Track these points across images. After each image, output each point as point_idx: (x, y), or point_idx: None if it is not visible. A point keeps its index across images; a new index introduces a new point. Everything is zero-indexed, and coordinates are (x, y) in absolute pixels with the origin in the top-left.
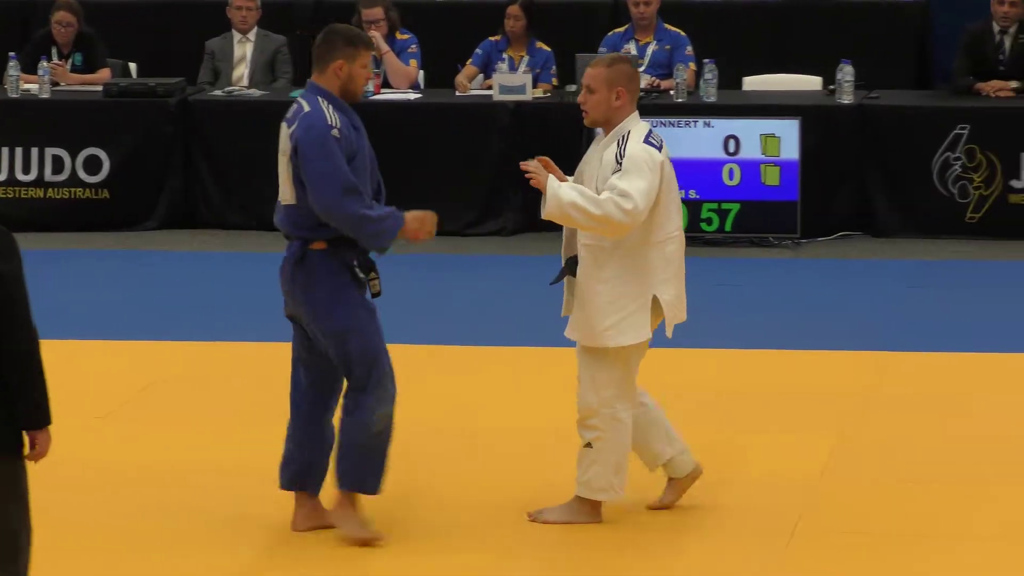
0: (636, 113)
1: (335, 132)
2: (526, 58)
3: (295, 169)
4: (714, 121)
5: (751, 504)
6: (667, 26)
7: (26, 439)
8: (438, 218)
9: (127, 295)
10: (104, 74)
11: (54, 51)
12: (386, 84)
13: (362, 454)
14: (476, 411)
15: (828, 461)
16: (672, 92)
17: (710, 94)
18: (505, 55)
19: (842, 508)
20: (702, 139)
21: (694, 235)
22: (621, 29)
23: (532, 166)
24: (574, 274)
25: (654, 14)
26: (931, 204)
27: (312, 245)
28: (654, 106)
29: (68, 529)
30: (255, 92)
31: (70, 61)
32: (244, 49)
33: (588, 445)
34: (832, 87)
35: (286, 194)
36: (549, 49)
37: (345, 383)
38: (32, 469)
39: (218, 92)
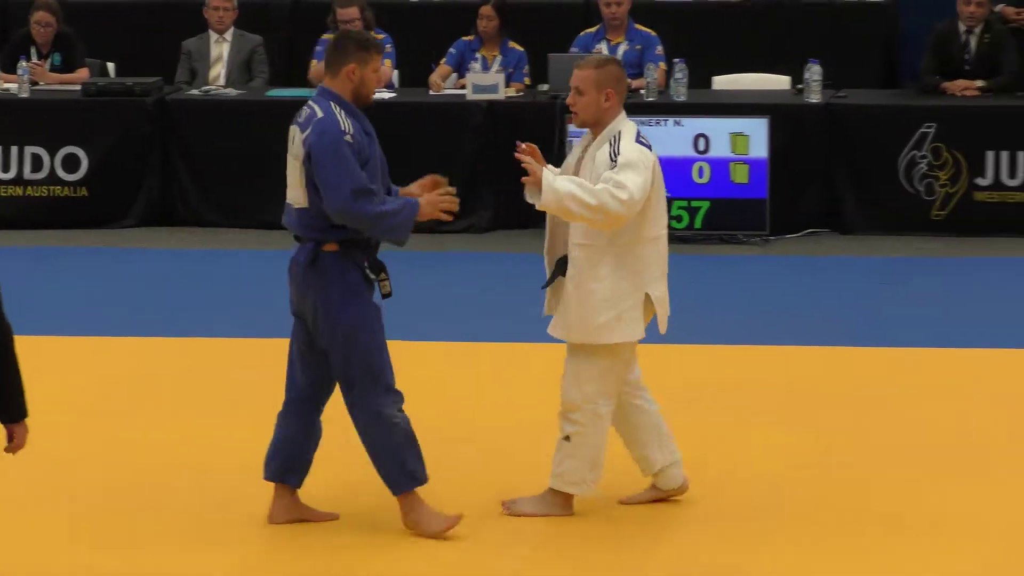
0: (624, 113)
1: (348, 138)
2: (499, 58)
3: (308, 174)
4: (684, 120)
5: (723, 497)
6: (638, 26)
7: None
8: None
9: (105, 292)
10: (83, 74)
11: (33, 51)
12: None
13: (399, 451)
14: (452, 406)
15: (799, 454)
16: (643, 91)
17: (680, 93)
18: (478, 55)
19: (813, 501)
20: (672, 138)
21: None
22: (593, 29)
23: (527, 157)
24: (564, 274)
25: (625, 14)
26: (898, 201)
27: (324, 247)
28: (625, 105)
29: (50, 522)
30: (232, 91)
31: (49, 61)
32: (221, 49)
33: (566, 438)
34: (800, 86)
35: (298, 197)
36: (522, 49)
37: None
38: (12, 462)
39: (195, 91)
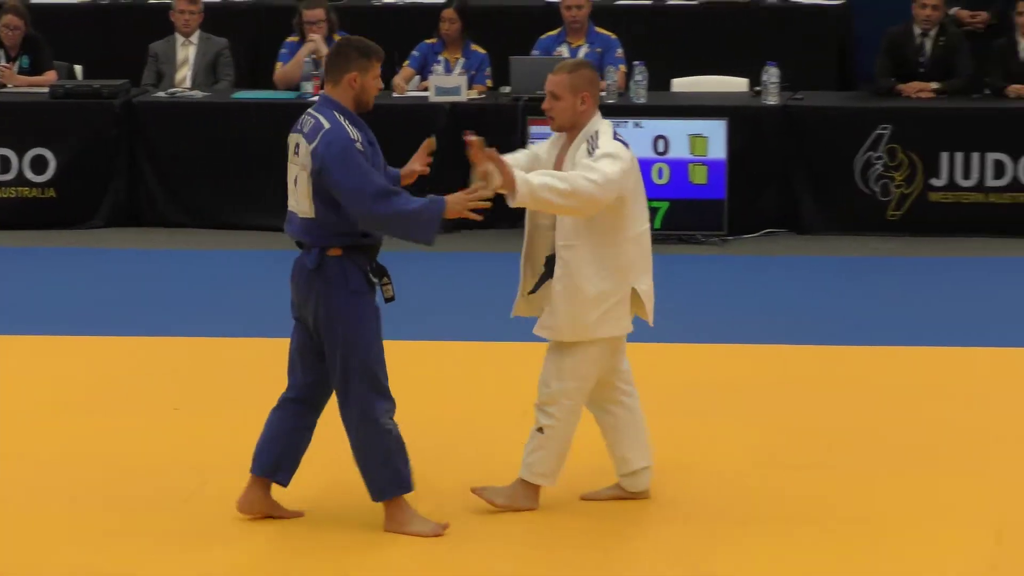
0: (599, 114)
1: (358, 145)
2: (461, 60)
3: (316, 185)
4: (644, 122)
5: (686, 493)
6: (598, 29)
7: None
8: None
9: (74, 292)
10: (50, 76)
11: (1, 54)
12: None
13: (390, 457)
14: (429, 403)
15: (758, 450)
16: (603, 93)
17: (640, 95)
18: (441, 57)
19: (772, 495)
20: (632, 139)
21: None
22: (554, 32)
23: (492, 155)
24: (551, 276)
25: (586, 17)
26: (854, 202)
27: (329, 251)
28: None
29: (36, 520)
30: (198, 94)
31: (17, 63)
32: (187, 52)
33: (539, 430)
34: (758, 88)
35: (304, 207)
36: (484, 51)
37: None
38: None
39: (161, 94)
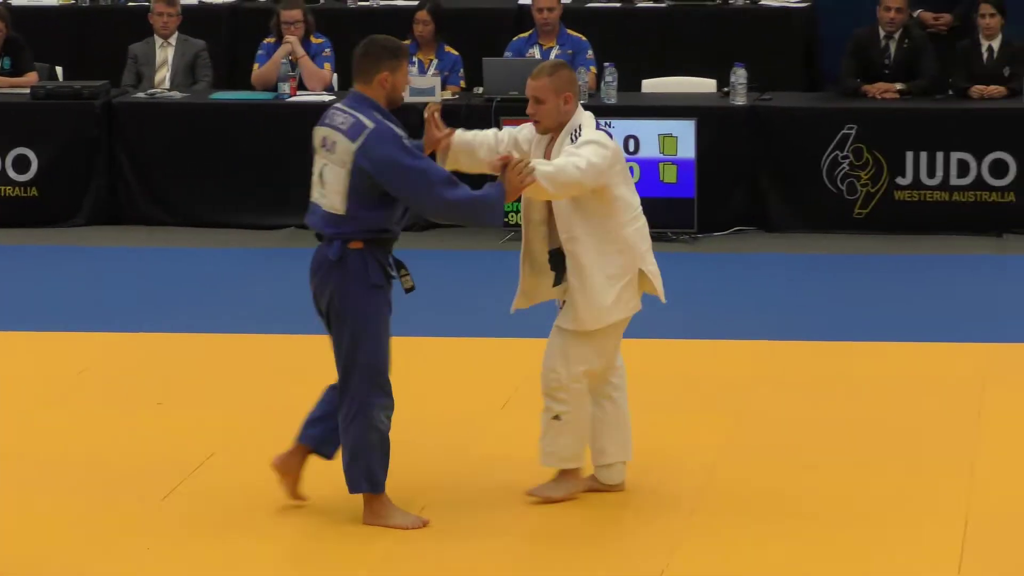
0: (580, 107)
1: (406, 141)
2: (435, 61)
3: (355, 183)
4: (614, 122)
5: (652, 484)
6: (569, 31)
7: None
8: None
9: (56, 289)
10: (31, 77)
11: None
12: (301, 86)
13: (369, 453)
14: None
15: (725, 444)
16: None
17: (610, 96)
18: (415, 59)
19: (738, 488)
20: None
21: None
22: (526, 34)
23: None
24: (564, 270)
25: (557, 20)
26: (821, 200)
27: (350, 244)
28: None
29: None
30: (176, 94)
31: None
32: (166, 53)
33: (556, 418)
34: (726, 89)
35: (334, 203)
36: (457, 53)
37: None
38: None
39: (141, 94)
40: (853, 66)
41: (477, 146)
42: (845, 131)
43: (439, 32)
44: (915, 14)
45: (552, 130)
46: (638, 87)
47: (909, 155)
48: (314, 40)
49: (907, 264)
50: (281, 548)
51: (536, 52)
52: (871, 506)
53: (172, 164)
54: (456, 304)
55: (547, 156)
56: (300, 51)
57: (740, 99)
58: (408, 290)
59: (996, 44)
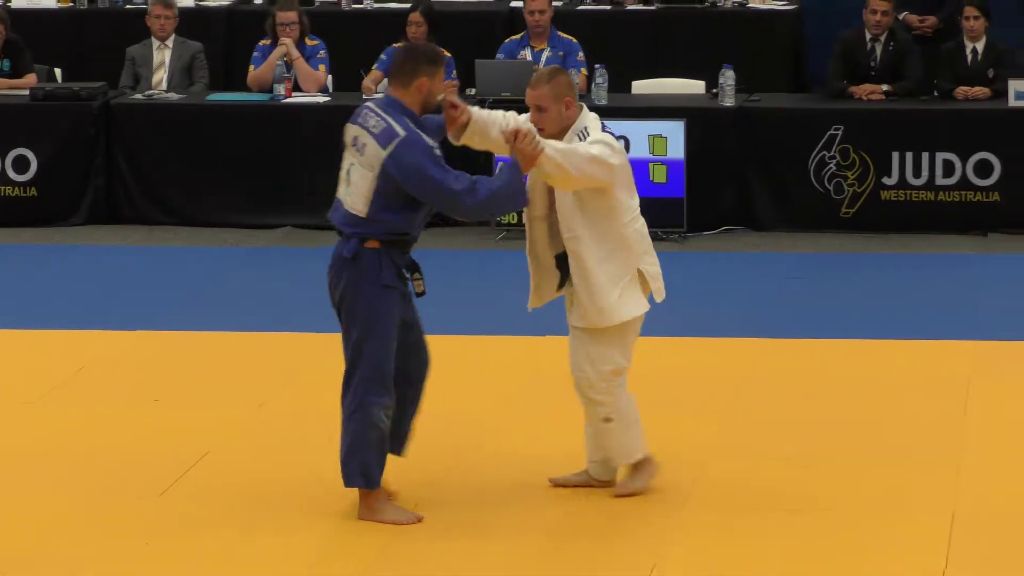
0: (584, 109)
1: (436, 151)
2: None
3: (381, 187)
4: (605, 123)
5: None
6: (560, 33)
7: None
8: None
9: (55, 287)
10: (30, 79)
11: None
12: (296, 88)
13: (366, 449)
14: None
15: (715, 440)
16: None
17: (601, 97)
18: None
19: (727, 484)
20: None
21: None
22: (517, 36)
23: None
24: (567, 274)
25: (548, 22)
26: (808, 200)
27: (367, 243)
28: None
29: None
30: (173, 96)
31: None
32: (163, 55)
33: (606, 420)
34: (715, 91)
35: (357, 204)
36: (449, 55)
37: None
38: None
39: (138, 96)
40: (840, 68)
41: (491, 125)
42: (832, 132)
43: (432, 34)
44: (901, 16)
45: (556, 135)
46: (628, 88)
47: (895, 155)
48: (309, 42)
49: (893, 263)
50: (277, 543)
51: (527, 54)
52: (858, 502)
53: (169, 164)
54: (455, 303)
55: None
56: (295, 53)
57: (729, 100)
58: (419, 294)
59: (980, 46)
